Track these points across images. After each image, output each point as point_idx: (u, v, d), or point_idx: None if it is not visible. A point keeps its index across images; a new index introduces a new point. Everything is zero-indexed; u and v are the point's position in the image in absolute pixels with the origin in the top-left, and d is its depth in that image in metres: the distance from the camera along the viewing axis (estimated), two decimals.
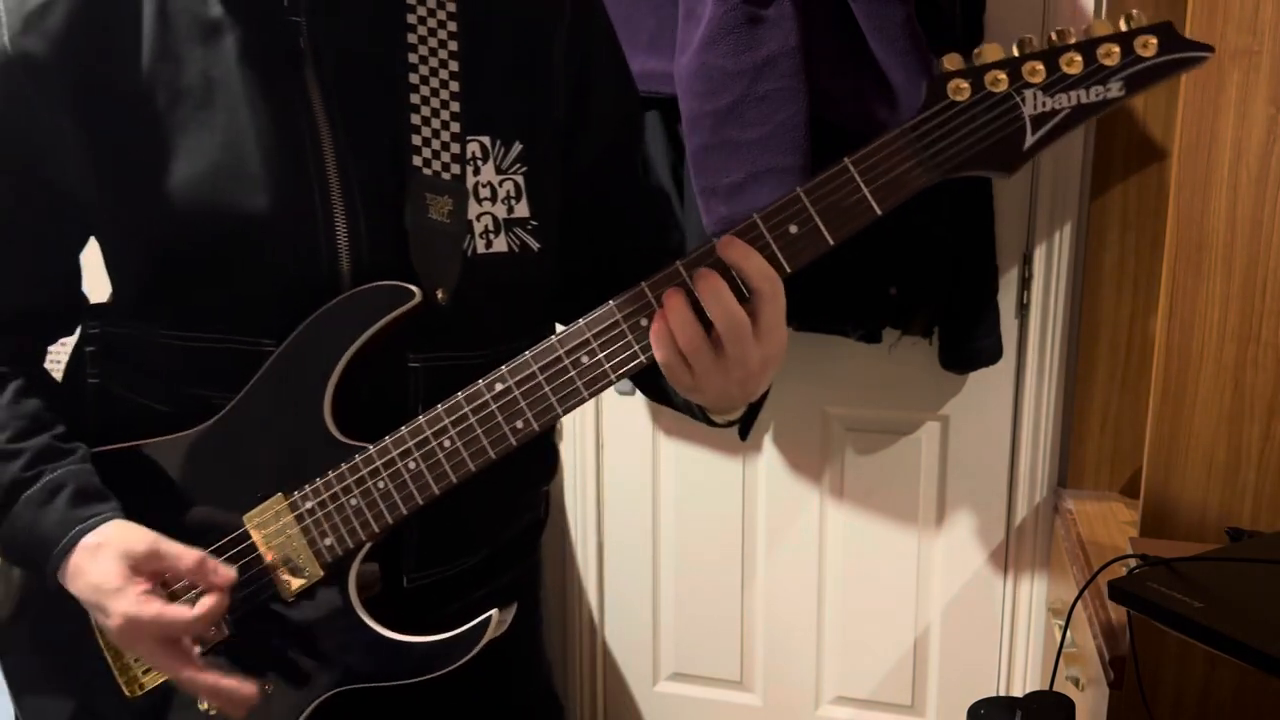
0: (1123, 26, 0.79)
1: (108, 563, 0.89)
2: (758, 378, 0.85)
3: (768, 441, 2.18)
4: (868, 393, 2.10)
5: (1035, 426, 2.04)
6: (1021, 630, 2.12)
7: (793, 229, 0.83)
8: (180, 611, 0.88)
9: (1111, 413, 1.98)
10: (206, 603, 0.88)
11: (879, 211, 0.82)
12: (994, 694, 2.15)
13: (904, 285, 1.88)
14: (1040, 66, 0.79)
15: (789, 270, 0.84)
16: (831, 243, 0.83)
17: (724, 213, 1.73)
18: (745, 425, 0.98)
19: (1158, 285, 1.47)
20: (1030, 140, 0.80)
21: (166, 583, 0.92)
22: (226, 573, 0.90)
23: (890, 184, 0.82)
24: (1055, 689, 1.43)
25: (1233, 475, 1.41)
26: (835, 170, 0.82)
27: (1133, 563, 1.19)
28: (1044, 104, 0.80)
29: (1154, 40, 0.78)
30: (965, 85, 0.80)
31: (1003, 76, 0.80)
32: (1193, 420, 1.42)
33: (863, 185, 0.82)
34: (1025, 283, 1.99)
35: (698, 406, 0.94)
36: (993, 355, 1.94)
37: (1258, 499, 1.41)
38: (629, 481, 2.28)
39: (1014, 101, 0.80)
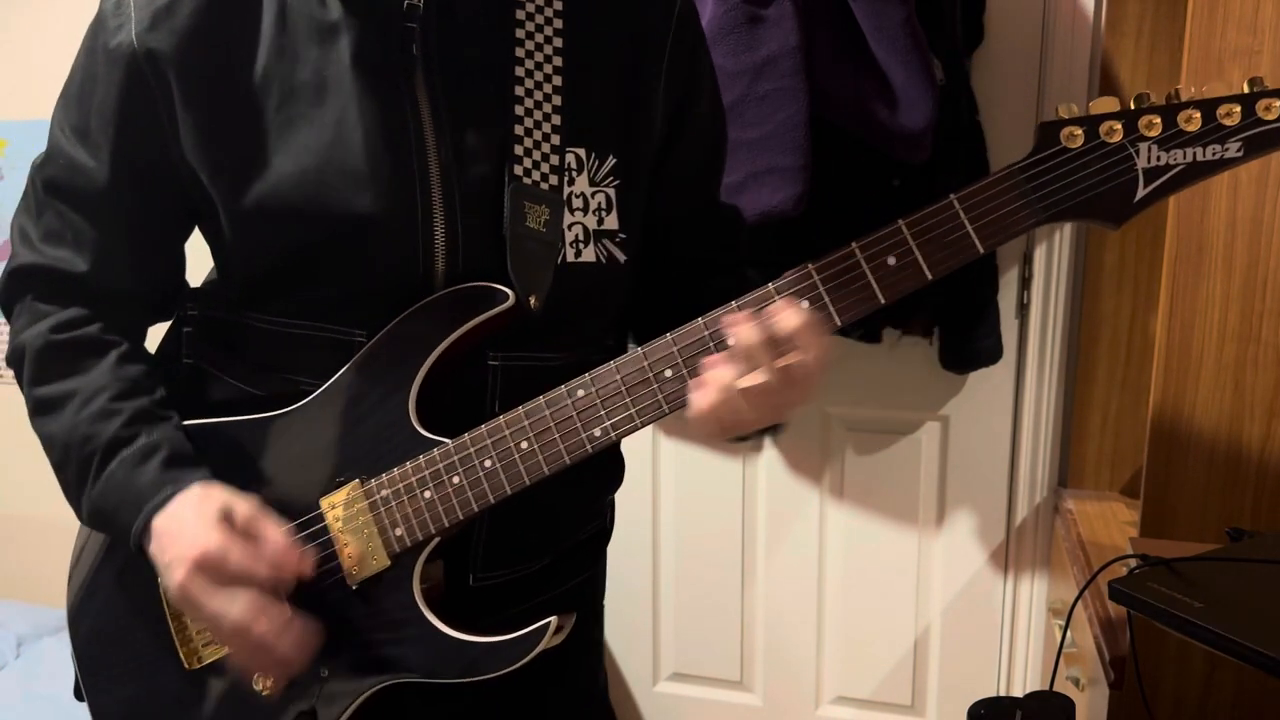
0: (1245, 88, 0.78)
1: (209, 507, 0.90)
2: (793, 407, 0.87)
3: (767, 441, 2.18)
4: (868, 393, 2.10)
5: (1035, 426, 2.04)
6: (1021, 630, 2.12)
7: (891, 260, 0.83)
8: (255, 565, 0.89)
9: (1111, 413, 1.98)
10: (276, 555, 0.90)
11: (981, 250, 0.82)
12: (994, 694, 2.15)
13: None
14: (1157, 120, 0.79)
15: (884, 301, 0.84)
16: (930, 277, 0.83)
17: None
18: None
19: (1158, 285, 1.46)
20: (1141, 193, 0.80)
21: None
22: (307, 557, 0.92)
23: (995, 223, 0.82)
24: (1055, 689, 1.42)
25: (1233, 475, 1.41)
26: (940, 205, 0.82)
27: (1133, 563, 1.19)
28: (1159, 158, 0.79)
29: (1278, 104, 0.78)
30: (1079, 133, 0.80)
31: (1118, 127, 0.80)
32: (1193, 420, 1.42)
33: (967, 222, 0.82)
34: (1025, 283, 1.99)
35: None
36: (993, 355, 1.94)
37: (1258, 499, 1.41)
38: (629, 481, 2.27)
39: (1128, 153, 0.80)
